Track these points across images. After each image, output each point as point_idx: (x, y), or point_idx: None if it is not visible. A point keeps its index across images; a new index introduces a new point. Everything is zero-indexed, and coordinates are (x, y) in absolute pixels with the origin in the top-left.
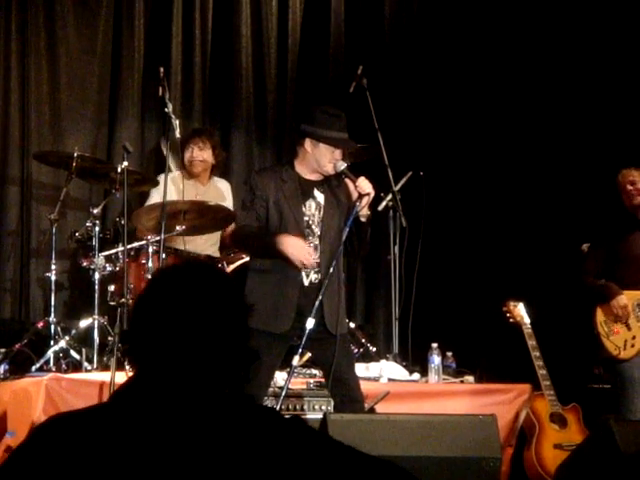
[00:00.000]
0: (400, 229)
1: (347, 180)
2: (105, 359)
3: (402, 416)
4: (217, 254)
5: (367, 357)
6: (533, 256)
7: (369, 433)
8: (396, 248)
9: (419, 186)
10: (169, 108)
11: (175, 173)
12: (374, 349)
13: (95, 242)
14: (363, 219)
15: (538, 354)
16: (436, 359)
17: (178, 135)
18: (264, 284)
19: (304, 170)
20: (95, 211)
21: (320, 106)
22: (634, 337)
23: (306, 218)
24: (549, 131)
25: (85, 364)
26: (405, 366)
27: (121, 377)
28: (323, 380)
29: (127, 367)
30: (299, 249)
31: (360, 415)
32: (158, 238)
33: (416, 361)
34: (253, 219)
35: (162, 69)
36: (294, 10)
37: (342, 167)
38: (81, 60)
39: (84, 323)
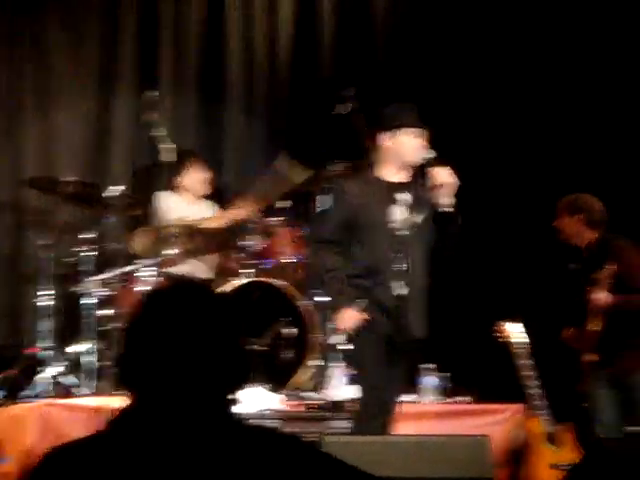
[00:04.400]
0: None
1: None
2: (99, 384)
3: (397, 437)
4: (209, 277)
5: None
6: (529, 275)
7: (364, 454)
8: None
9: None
10: (161, 131)
11: (166, 194)
12: None
13: (88, 267)
14: (447, 209)
15: (531, 374)
16: (431, 379)
17: (168, 159)
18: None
19: (388, 172)
20: (87, 236)
21: (388, 106)
22: None
23: (394, 224)
24: (537, 151)
25: (79, 389)
26: None
27: (115, 402)
28: (319, 403)
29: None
30: (349, 323)
31: (355, 437)
32: (151, 262)
33: (411, 381)
34: (332, 232)
35: (154, 92)
36: (284, 32)
37: (429, 155)
38: (72, 85)
39: (78, 348)
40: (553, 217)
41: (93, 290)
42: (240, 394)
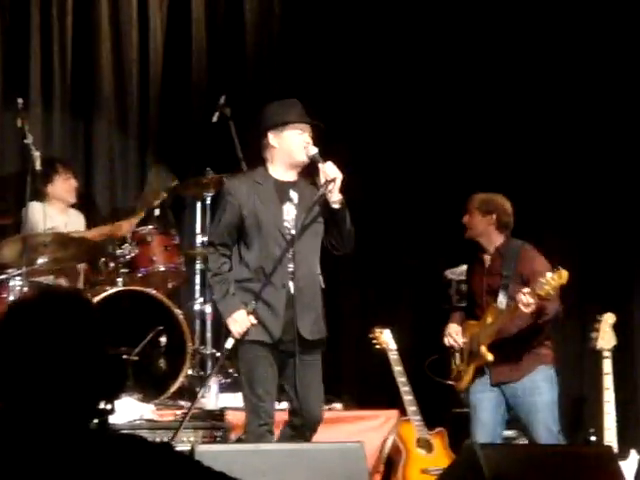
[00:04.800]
0: None
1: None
2: None
3: (270, 445)
4: (79, 286)
5: (235, 387)
6: (400, 281)
7: (237, 464)
8: None
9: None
10: (29, 139)
11: (38, 204)
12: None
13: None
14: (336, 206)
15: (404, 380)
16: None
17: (38, 167)
18: (248, 293)
19: (277, 171)
20: None
21: (267, 103)
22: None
23: (285, 223)
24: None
25: None
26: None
27: None
28: (192, 412)
29: None
30: (239, 326)
31: (228, 445)
32: (20, 271)
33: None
34: (220, 235)
35: (21, 100)
36: (155, 40)
37: (313, 151)
38: None
39: None
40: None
41: None
42: (114, 404)
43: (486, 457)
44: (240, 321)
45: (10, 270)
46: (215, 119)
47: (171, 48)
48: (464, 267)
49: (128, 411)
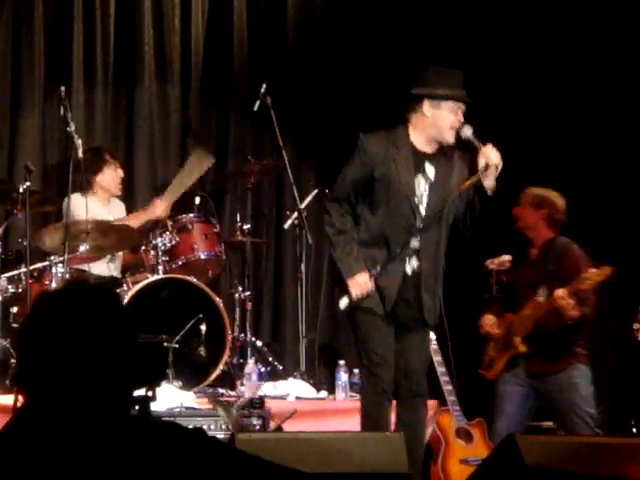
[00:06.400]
0: (307, 247)
1: (477, 146)
2: (7, 382)
3: (310, 434)
4: (119, 274)
5: (274, 375)
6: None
7: (277, 452)
8: (303, 266)
9: (325, 203)
10: (71, 127)
11: (79, 196)
12: (281, 367)
13: None
14: (489, 192)
15: (444, 370)
16: (343, 376)
17: (81, 155)
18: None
19: (419, 139)
20: None
21: (432, 67)
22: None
23: (415, 198)
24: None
25: None
26: (312, 384)
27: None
28: (230, 399)
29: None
30: (361, 289)
31: (267, 434)
32: (61, 259)
33: (323, 379)
34: (345, 191)
35: (63, 88)
36: (197, 29)
37: (468, 132)
38: None
39: None
40: None
41: (2, 287)
42: (155, 391)
43: (526, 447)
44: (362, 284)
45: (52, 257)
46: (256, 108)
47: (213, 36)
48: (505, 257)
49: (168, 399)
